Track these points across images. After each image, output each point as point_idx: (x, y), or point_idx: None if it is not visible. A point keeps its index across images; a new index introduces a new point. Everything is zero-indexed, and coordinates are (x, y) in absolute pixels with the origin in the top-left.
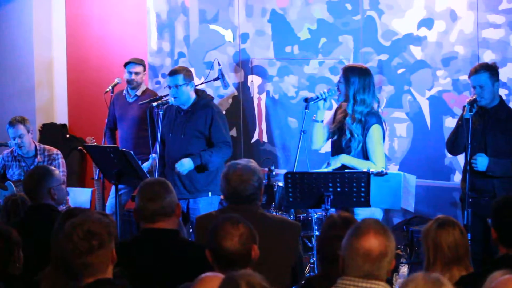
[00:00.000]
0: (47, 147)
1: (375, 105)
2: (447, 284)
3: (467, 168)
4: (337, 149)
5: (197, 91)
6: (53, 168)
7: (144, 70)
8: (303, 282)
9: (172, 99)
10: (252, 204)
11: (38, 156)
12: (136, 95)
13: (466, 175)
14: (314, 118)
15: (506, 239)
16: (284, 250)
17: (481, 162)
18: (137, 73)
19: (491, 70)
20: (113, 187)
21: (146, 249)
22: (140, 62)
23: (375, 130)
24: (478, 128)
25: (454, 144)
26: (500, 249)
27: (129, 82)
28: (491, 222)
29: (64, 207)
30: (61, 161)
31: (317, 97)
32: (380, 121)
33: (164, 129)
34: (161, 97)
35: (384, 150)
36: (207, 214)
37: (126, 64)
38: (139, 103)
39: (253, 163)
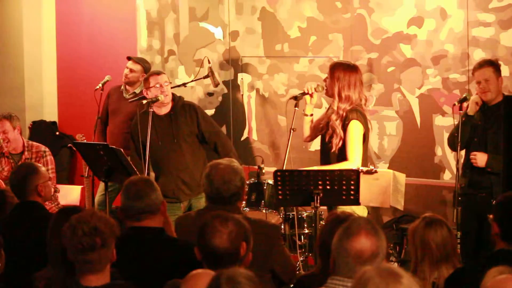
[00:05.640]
0: (35, 144)
1: (362, 103)
2: (405, 276)
3: (457, 167)
4: (322, 145)
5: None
6: (39, 164)
7: (144, 71)
8: (294, 282)
9: (162, 96)
10: (234, 206)
11: (26, 153)
12: (134, 92)
13: (465, 172)
14: (303, 111)
15: (508, 234)
16: (258, 253)
17: (481, 158)
18: (132, 71)
19: (495, 65)
20: (101, 184)
21: (132, 248)
22: (140, 62)
23: (352, 126)
24: (480, 124)
25: (456, 140)
26: (498, 244)
27: (124, 76)
28: (494, 216)
29: (54, 205)
30: (50, 158)
31: (303, 93)
32: (360, 118)
33: (144, 135)
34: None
35: (361, 147)
36: (186, 214)
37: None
38: (129, 100)
39: (235, 162)
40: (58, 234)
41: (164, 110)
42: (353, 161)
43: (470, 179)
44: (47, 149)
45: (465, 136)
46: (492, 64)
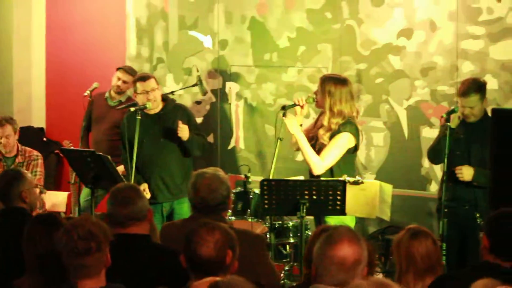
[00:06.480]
0: (28, 149)
1: (354, 115)
2: (393, 285)
3: (444, 178)
4: None
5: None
6: (25, 171)
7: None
8: None
9: (150, 103)
10: (219, 215)
11: (19, 157)
12: (119, 100)
13: (443, 185)
14: None
15: (497, 248)
16: (243, 264)
17: (467, 172)
18: (124, 82)
19: (481, 91)
20: (84, 190)
21: (119, 255)
22: (132, 73)
23: (340, 136)
24: (462, 138)
25: (437, 153)
26: (485, 256)
27: (113, 86)
28: (485, 230)
29: (41, 211)
30: (40, 161)
31: (294, 104)
32: (353, 131)
33: (132, 135)
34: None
35: (337, 156)
36: (171, 223)
37: (118, 69)
38: (117, 107)
39: (221, 172)
40: (33, 242)
41: (154, 110)
42: (323, 162)
43: (453, 192)
44: (39, 155)
45: (449, 149)
46: (479, 91)
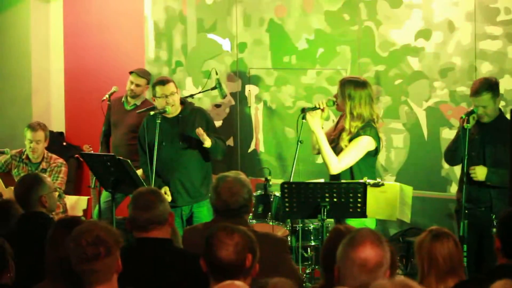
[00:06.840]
0: (54, 156)
1: (375, 117)
2: (416, 286)
3: (464, 179)
4: None
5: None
6: (44, 175)
7: (148, 84)
8: None
9: (170, 107)
10: (242, 218)
11: (43, 163)
12: (135, 103)
13: (463, 186)
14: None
15: (508, 250)
16: (265, 266)
17: (480, 172)
18: (138, 85)
19: (493, 90)
20: (103, 193)
21: (140, 259)
22: (144, 76)
23: (359, 139)
24: (477, 138)
25: (453, 154)
26: (499, 259)
27: (128, 90)
28: (496, 231)
29: (64, 215)
30: (64, 169)
31: (314, 107)
32: (372, 133)
33: (152, 139)
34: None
35: (354, 158)
36: (193, 227)
37: (130, 72)
38: (137, 111)
39: (242, 175)
40: (56, 246)
41: (172, 113)
42: (340, 163)
43: (468, 194)
44: (64, 163)
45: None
46: (491, 90)
